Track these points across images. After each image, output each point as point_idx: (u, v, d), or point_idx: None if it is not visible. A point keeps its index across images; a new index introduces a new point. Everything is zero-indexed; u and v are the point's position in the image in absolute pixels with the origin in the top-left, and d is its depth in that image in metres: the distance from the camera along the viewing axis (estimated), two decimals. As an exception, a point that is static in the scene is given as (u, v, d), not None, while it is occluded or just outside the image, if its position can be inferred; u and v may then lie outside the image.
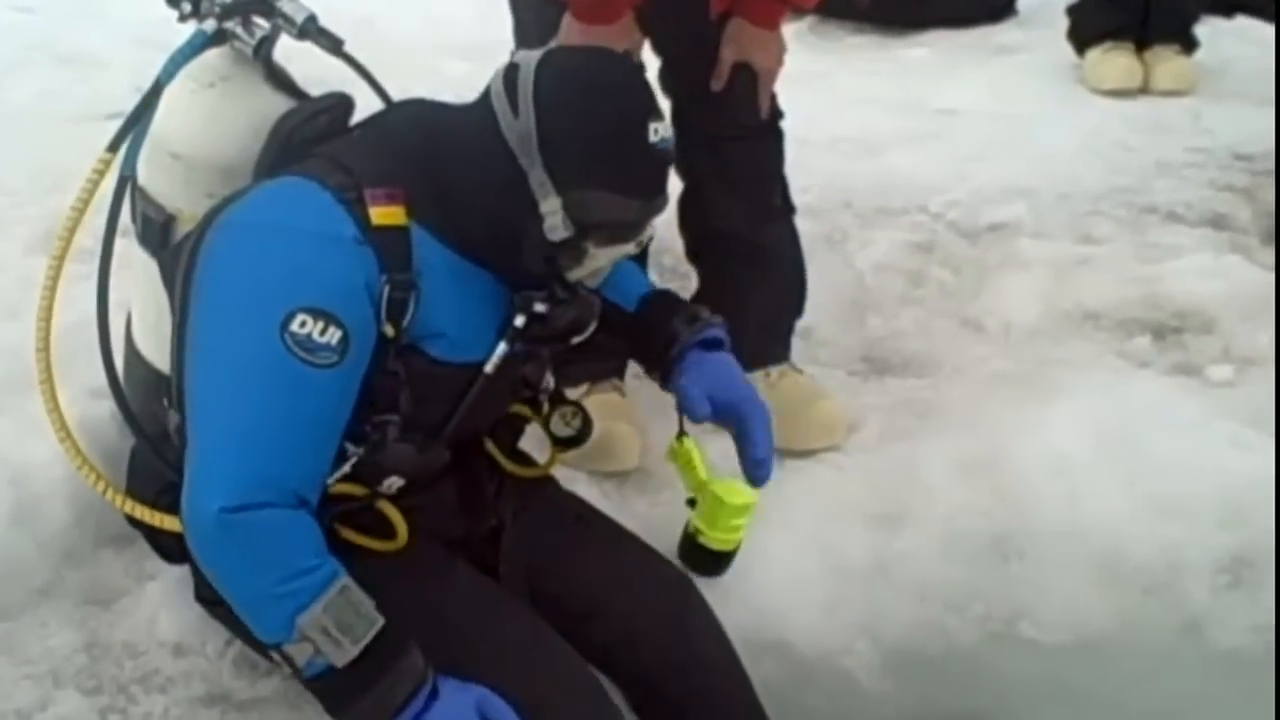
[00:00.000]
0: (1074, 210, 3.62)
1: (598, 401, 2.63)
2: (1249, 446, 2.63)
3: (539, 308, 1.89)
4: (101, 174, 2.01)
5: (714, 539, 2.30)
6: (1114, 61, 4.38)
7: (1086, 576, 2.53)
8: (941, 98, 4.33)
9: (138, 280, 2.13)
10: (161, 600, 2.25)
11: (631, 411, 2.69)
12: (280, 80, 2.08)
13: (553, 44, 2.28)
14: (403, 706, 1.77)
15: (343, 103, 2.03)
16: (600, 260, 1.90)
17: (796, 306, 2.86)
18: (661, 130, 1.84)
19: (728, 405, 2.16)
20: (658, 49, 2.69)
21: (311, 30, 2.04)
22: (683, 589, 2.21)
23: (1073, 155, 3.91)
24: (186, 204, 2.03)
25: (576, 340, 2.00)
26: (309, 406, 1.80)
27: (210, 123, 2.03)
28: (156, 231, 2.04)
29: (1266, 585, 2.48)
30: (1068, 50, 4.53)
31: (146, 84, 2.02)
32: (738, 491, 2.26)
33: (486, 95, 1.88)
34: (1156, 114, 4.21)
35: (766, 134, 2.76)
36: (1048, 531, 2.56)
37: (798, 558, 2.50)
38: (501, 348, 1.93)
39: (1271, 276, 3.29)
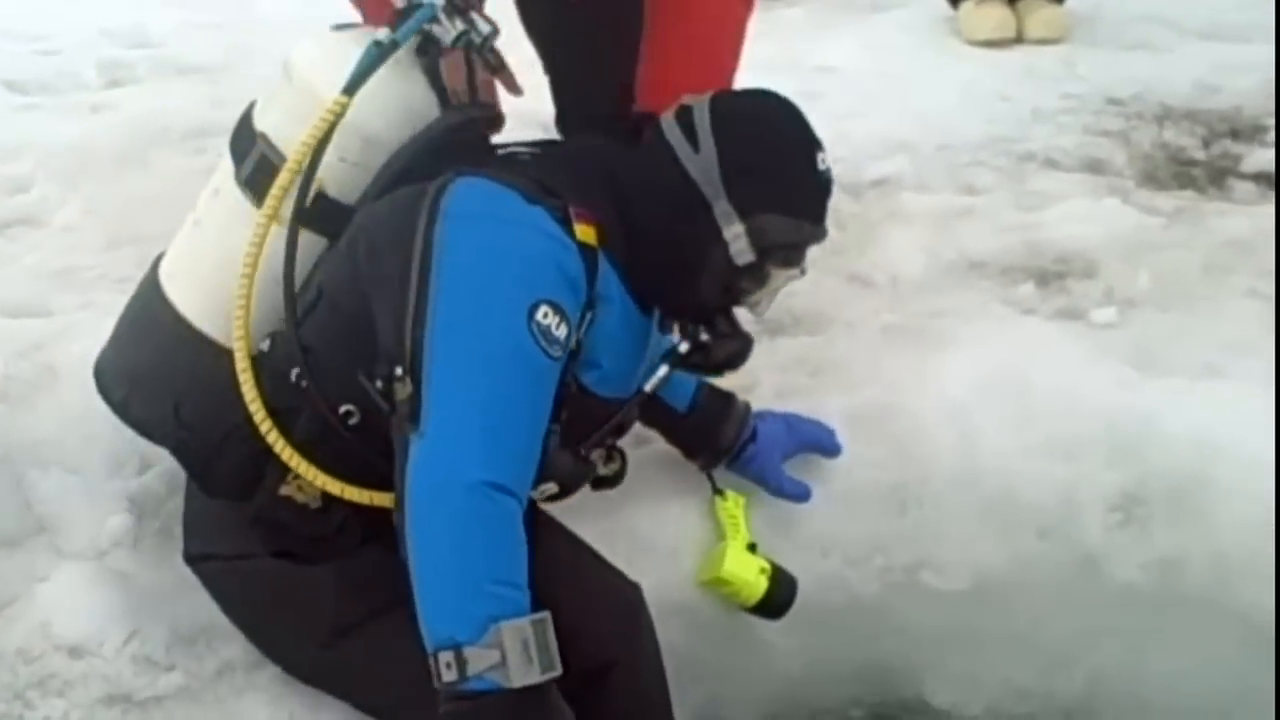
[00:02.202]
0: (954, 162, 3.66)
1: None
2: (1133, 385, 2.67)
3: (704, 337, 2.03)
4: (336, 116, 1.97)
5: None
6: (987, 13, 4.43)
7: (982, 521, 2.57)
8: (819, 56, 4.35)
9: (211, 229, 2.10)
10: (55, 602, 2.21)
11: None
12: (434, 78, 2.10)
13: None
14: None
15: (495, 117, 2.11)
16: (776, 282, 2.04)
17: None
18: (825, 160, 2.01)
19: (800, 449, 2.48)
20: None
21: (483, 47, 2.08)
22: (634, 611, 2.21)
23: (951, 107, 3.95)
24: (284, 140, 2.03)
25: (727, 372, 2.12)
26: (543, 397, 1.85)
27: (377, 93, 2.01)
28: (266, 180, 2.00)
29: (1156, 521, 2.52)
30: (941, 3, 4.58)
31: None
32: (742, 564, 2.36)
33: (656, 135, 1.99)
34: (1031, 63, 4.27)
35: None
36: (943, 479, 2.59)
37: (701, 519, 2.50)
38: (663, 371, 2.04)
39: (1149, 217, 3.35)
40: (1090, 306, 3.02)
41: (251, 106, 2.11)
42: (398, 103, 2.06)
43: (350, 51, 2.03)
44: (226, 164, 2.09)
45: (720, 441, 2.44)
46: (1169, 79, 4.14)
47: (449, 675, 1.69)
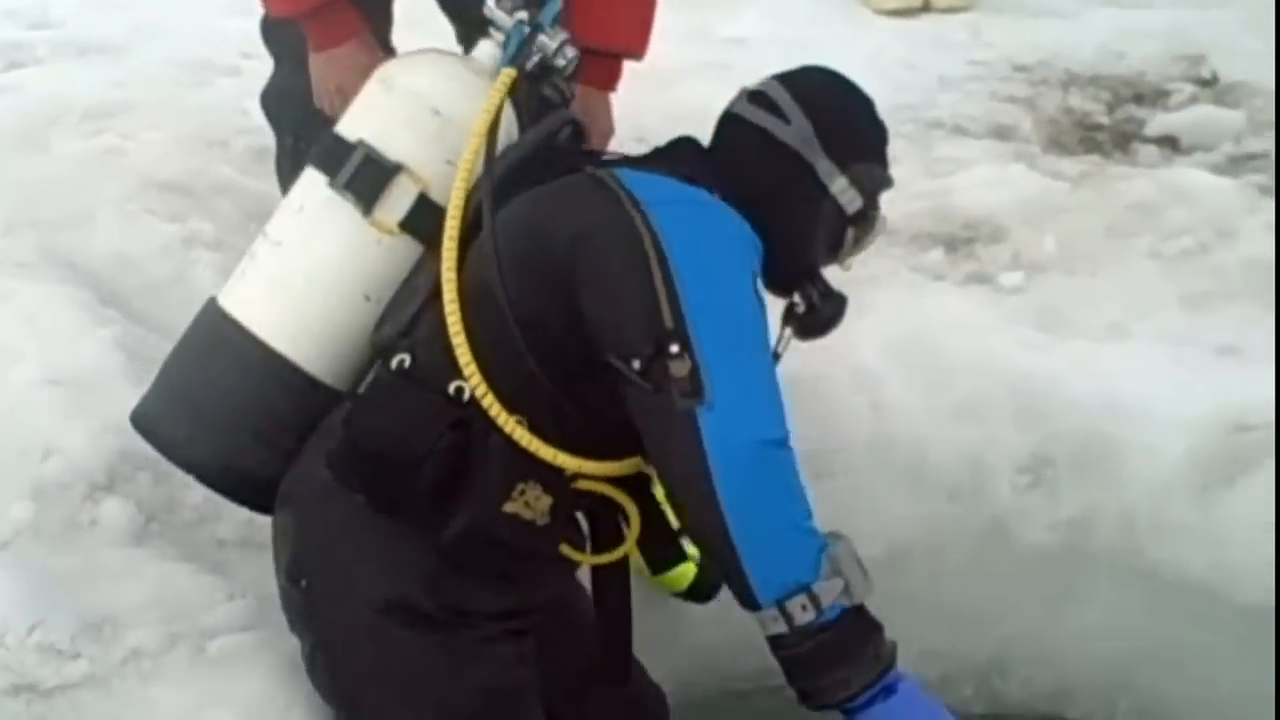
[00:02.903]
0: (863, 130, 3.66)
1: None
2: (1040, 348, 2.70)
3: (815, 298, 2.14)
4: (507, 89, 1.95)
5: None
6: (895, -18, 4.45)
7: (895, 487, 2.59)
8: (729, 27, 4.35)
9: (297, 246, 2.01)
10: (-45, 593, 2.17)
11: None
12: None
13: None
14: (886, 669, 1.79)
15: (578, 124, 2.09)
16: (879, 226, 2.14)
17: None
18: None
19: None
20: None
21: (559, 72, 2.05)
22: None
23: (858, 76, 3.89)
24: (418, 160, 1.98)
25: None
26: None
27: (479, 93, 1.99)
28: (372, 181, 1.97)
29: (1064, 482, 2.56)
30: (849, -28, 4.59)
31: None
32: None
33: (730, 124, 2.08)
34: (937, 31, 4.30)
35: None
36: (856, 447, 2.61)
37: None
38: (788, 332, 2.17)
39: (1055, 182, 3.38)
40: (998, 271, 3.05)
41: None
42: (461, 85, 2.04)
43: (440, 62, 2.04)
44: (308, 179, 2.02)
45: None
46: (1074, 45, 4.18)
47: (805, 616, 1.73)
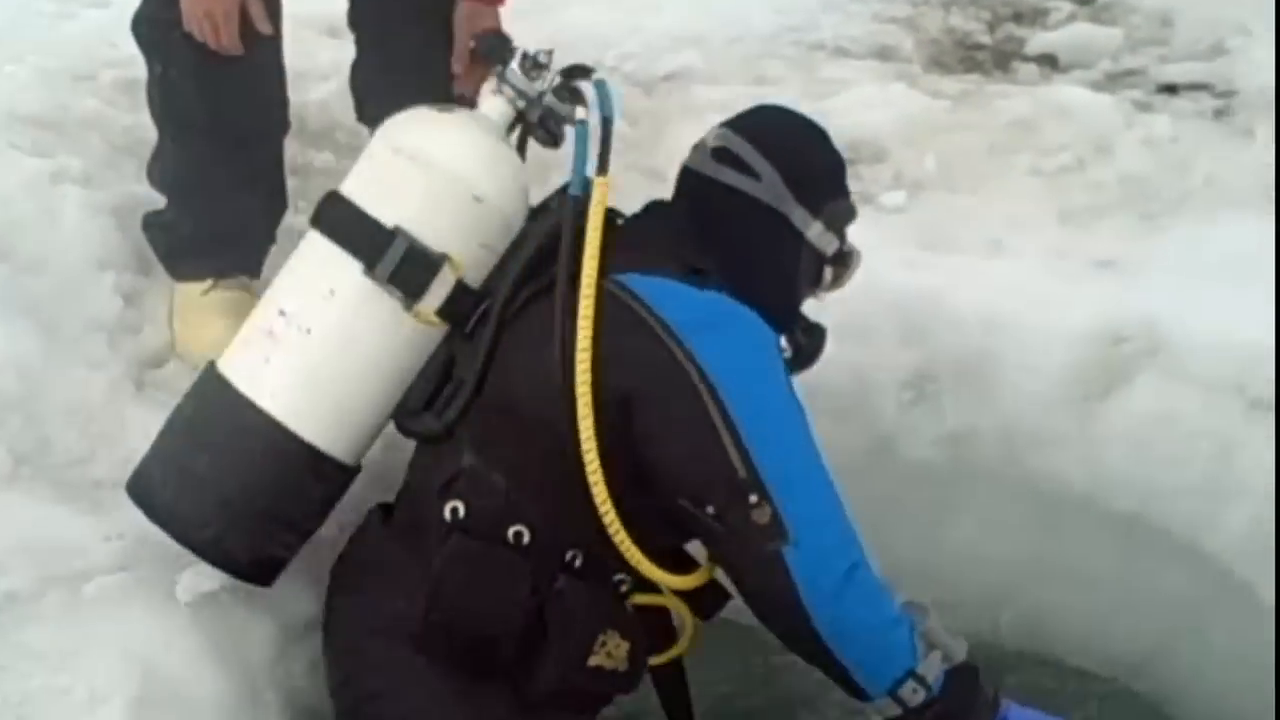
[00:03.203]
0: (745, 53, 3.65)
1: (223, 298, 2.54)
2: (922, 266, 2.71)
3: (799, 337, 2.17)
4: (604, 207, 1.95)
5: None
6: (776, -97, 4.41)
7: (779, 407, 2.58)
8: (608, -47, 4.29)
9: (331, 337, 1.95)
10: None
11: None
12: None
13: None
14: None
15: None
16: (855, 259, 2.18)
17: None
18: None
19: None
20: None
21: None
22: None
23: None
24: (458, 247, 1.94)
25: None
26: None
27: (506, 174, 1.99)
28: (419, 275, 1.92)
29: (946, 398, 2.58)
30: (731, -105, 4.54)
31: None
32: None
33: (701, 186, 2.10)
34: (820, -48, 4.27)
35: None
36: (739, 369, 2.60)
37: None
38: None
39: (936, 101, 3.39)
40: (880, 191, 3.06)
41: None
42: (517, 181, 2.03)
43: (468, 132, 1.99)
44: (341, 265, 1.94)
45: None
46: (954, -34, 4.18)
47: (917, 697, 1.86)
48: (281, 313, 1.94)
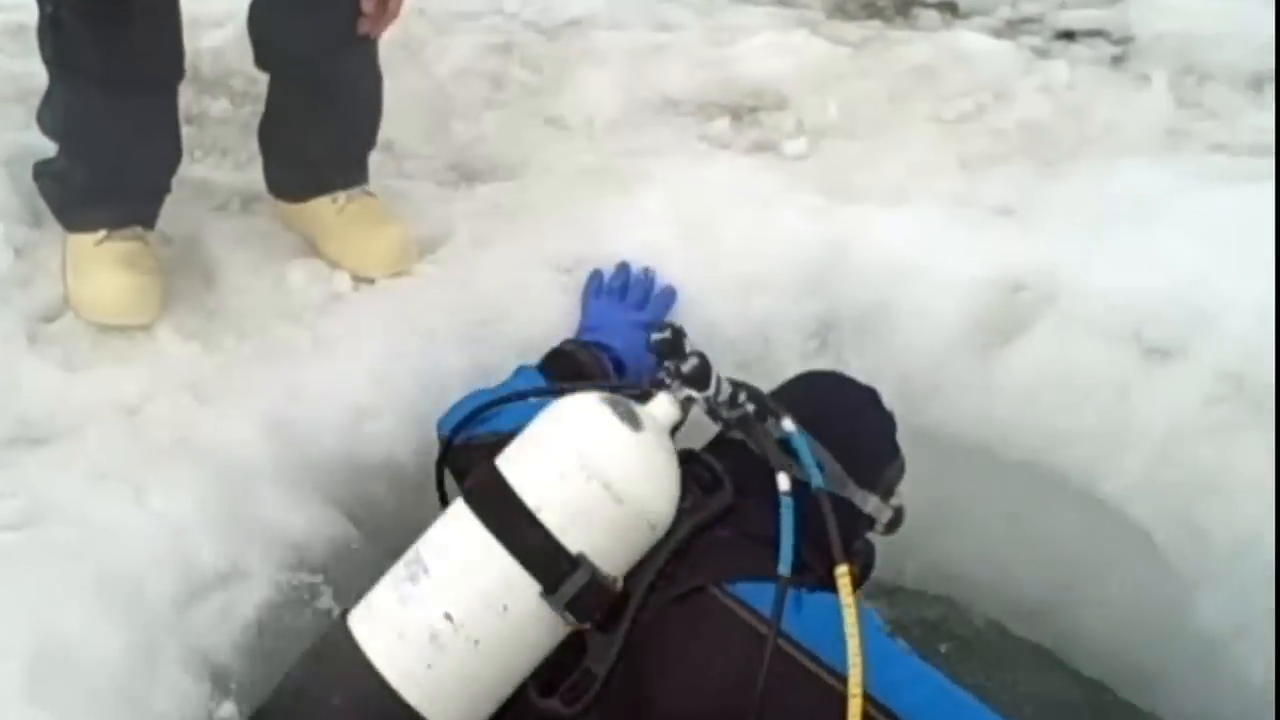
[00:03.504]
0: (648, -1, 3.63)
1: (117, 249, 2.50)
2: (823, 215, 2.71)
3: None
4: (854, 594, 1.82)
5: None
6: None
7: (684, 359, 2.58)
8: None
9: (496, 650, 1.86)
10: None
11: (151, 260, 2.56)
12: None
13: None
14: None
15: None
16: (902, 520, 2.18)
17: (369, 132, 2.74)
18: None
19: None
20: None
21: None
22: None
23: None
24: (626, 567, 1.88)
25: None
26: None
27: (654, 471, 1.90)
28: (594, 602, 1.84)
29: (849, 347, 2.59)
30: None
31: None
32: None
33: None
34: (720, -104, 4.24)
35: None
36: (643, 319, 2.60)
37: (396, 375, 2.47)
38: None
39: (837, 48, 3.39)
40: (782, 139, 3.06)
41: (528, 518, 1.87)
42: (669, 477, 1.94)
43: (664, 465, 1.92)
44: (521, 585, 1.84)
45: None
46: (854, -90, 4.18)
47: None
48: (448, 618, 1.85)
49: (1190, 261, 2.46)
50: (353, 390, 2.44)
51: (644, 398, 2.00)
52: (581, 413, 1.91)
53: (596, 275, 2.59)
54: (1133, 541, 2.44)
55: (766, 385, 2.57)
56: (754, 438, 1.99)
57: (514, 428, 1.98)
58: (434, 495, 2.34)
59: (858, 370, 2.56)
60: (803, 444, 1.95)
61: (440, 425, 2.30)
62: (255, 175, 2.77)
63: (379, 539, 2.40)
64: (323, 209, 2.65)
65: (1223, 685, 2.34)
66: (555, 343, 2.46)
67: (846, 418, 2.15)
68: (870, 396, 2.20)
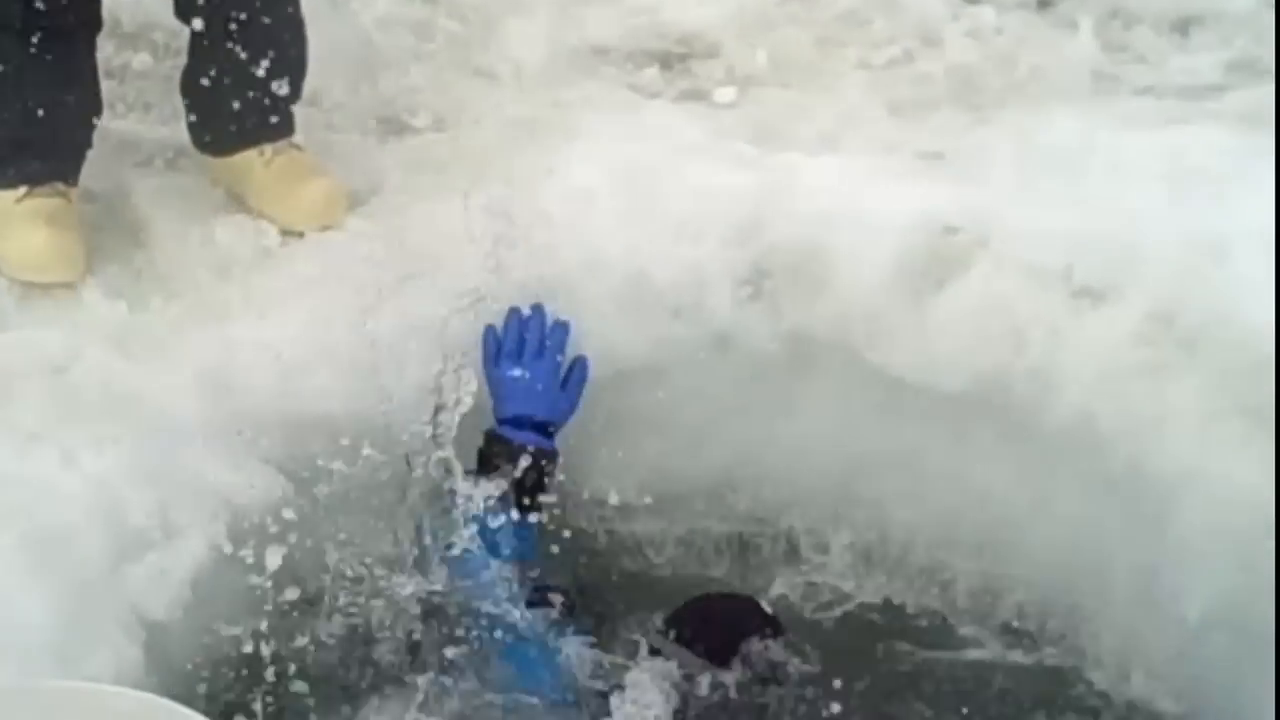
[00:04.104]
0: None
1: (38, 206, 2.47)
2: (754, 162, 2.70)
3: None
4: None
5: None
6: None
7: (617, 307, 2.58)
8: None
9: None
10: None
11: (73, 217, 2.52)
12: None
13: None
14: None
15: None
16: None
17: (294, 83, 2.68)
18: None
19: None
20: None
21: None
22: None
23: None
24: None
25: None
26: None
27: None
28: None
29: (783, 292, 2.58)
30: None
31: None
32: None
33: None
34: None
35: None
36: (575, 270, 2.59)
37: (328, 330, 2.45)
38: None
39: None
40: (712, 87, 3.06)
41: None
42: None
43: None
44: None
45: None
46: None
47: None
48: None
49: (1119, 203, 2.47)
50: (285, 346, 2.41)
51: None
52: None
53: (491, 336, 2.54)
54: (1068, 480, 2.46)
55: (702, 333, 2.59)
56: None
57: None
58: (370, 449, 2.38)
59: (793, 316, 2.58)
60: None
61: None
62: (179, 130, 2.74)
63: (315, 495, 2.39)
64: (250, 162, 2.62)
65: (1159, 621, 2.37)
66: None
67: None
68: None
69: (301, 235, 2.59)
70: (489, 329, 2.55)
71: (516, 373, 2.50)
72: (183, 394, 2.32)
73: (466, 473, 2.37)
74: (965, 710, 2.39)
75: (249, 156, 2.61)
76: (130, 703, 1.69)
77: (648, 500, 2.74)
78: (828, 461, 2.71)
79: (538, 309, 2.57)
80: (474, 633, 2.27)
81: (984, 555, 2.66)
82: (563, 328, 2.57)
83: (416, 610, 2.32)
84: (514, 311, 2.57)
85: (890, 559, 2.73)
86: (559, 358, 2.54)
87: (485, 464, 2.44)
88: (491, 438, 2.46)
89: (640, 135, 2.80)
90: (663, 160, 2.72)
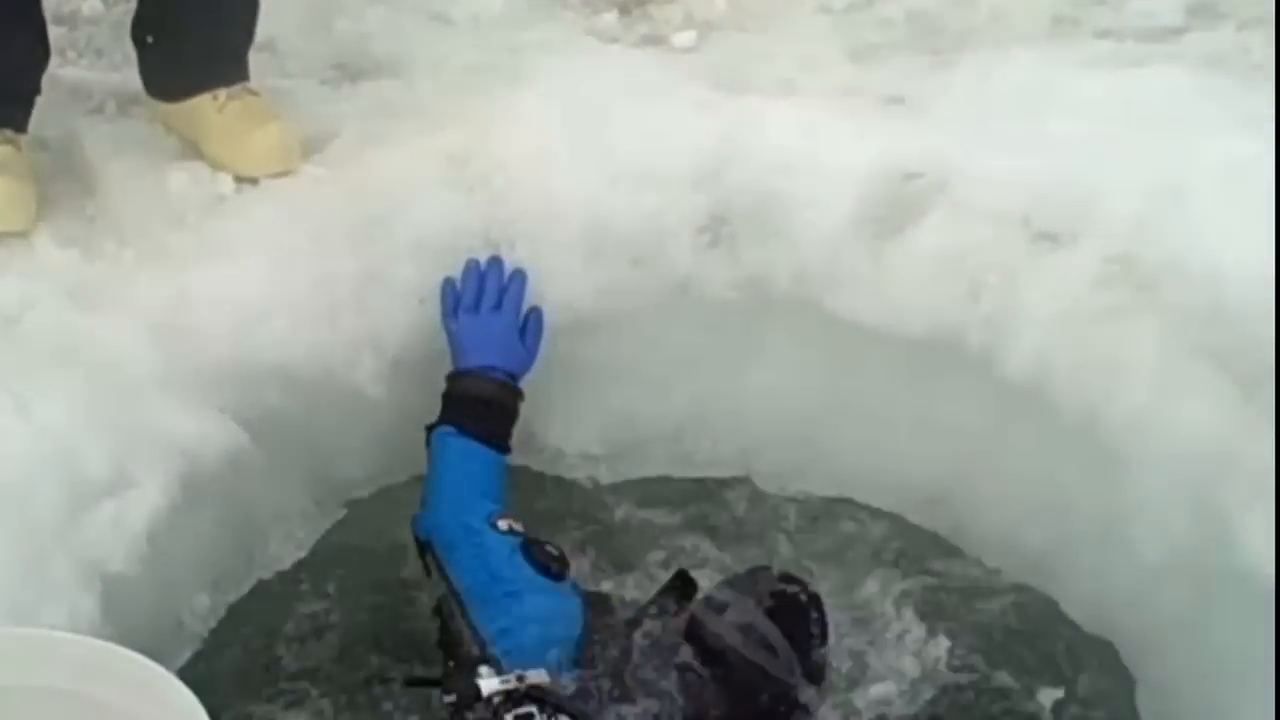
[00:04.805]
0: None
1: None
2: (713, 107, 2.67)
3: None
4: None
5: None
6: None
7: (575, 255, 2.57)
8: None
9: None
10: None
11: (24, 165, 2.49)
12: None
13: None
14: None
15: None
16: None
17: (247, 27, 2.65)
18: None
19: None
20: None
21: None
22: None
23: None
24: None
25: None
26: None
27: None
28: None
29: (742, 239, 2.57)
30: None
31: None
32: None
33: (726, 658, 2.09)
34: None
35: None
36: (534, 217, 2.58)
37: (285, 278, 2.43)
38: None
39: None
40: (671, 32, 3.02)
41: None
42: None
43: None
44: None
45: None
46: None
47: None
48: None
49: (1078, 146, 2.46)
50: (241, 294, 2.40)
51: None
52: None
53: (449, 288, 2.53)
54: (1027, 425, 2.47)
55: (661, 280, 2.58)
56: None
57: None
58: (326, 400, 2.42)
59: (753, 263, 2.57)
60: None
61: (415, 523, 2.39)
62: (131, 77, 2.70)
63: (270, 443, 2.38)
64: (203, 108, 2.58)
65: (1117, 565, 2.38)
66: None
67: (809, 621, 2.22)
68: (819, 601, 2.25)
69: (256, 182, 2.55)
70: (446, 281, 2.54)
71: (474, 324, 2.49)
72: (138, 343, 2.29)
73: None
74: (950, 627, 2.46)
75: (202, 101, 2.57)
76: (84, 649, 1.69)
77: (607, 448, 2.75)
78: (788, 408, 2.71)
79: (495, 260, 2.56)
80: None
81: (944, 506, 2.66)
82: (520, 277, 2.55)
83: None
84: (472, 263, 2.55)
85: (849, 509, 2.73)
86: (518, 309, 2.53)
87: (451, 405, 2.44)
88: (456, 375, 2.48)
89: (598, 80, 2.77)
90: (621, 106, 2.69)
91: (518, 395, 2.50)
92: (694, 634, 2.10)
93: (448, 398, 2.47)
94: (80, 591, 1.98)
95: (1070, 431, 2.38)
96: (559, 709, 1.93)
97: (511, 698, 1.92)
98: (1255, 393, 2.15)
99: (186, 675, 1.83)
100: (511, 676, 1.95)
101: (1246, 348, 2.16)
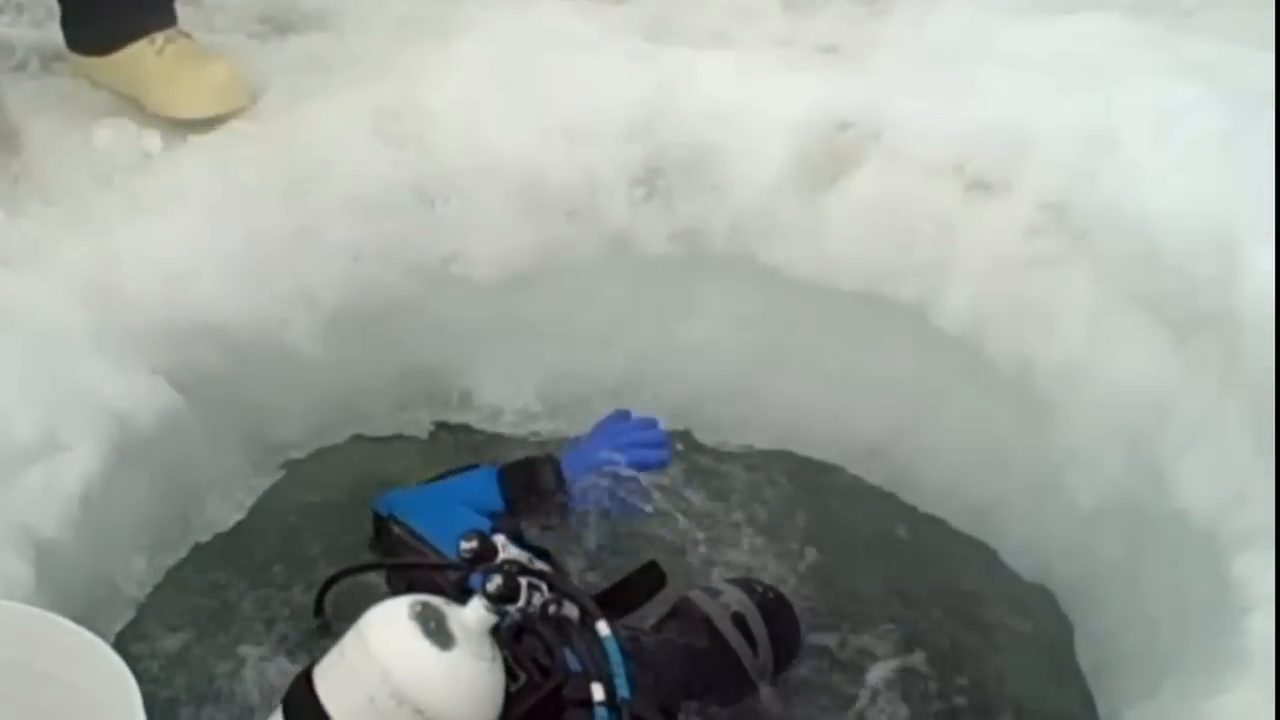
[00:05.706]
0: None
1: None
2: (646, 58, 2.65)
3: None
4: None
5: None
6: None
7: (510, 210, 2.55)
8: None
9: None
10: None
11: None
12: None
13: None
14: None
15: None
16: None
17: None
18: None
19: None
20: None
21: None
22: None
23: None
24: None
25: None
26: None
27: (469, 691, 1.76)
28: None
29: (678, 192, 2.56)
30: None
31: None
32: None
33: (710, 637, 2.19)
34: None
35: None
36: (466, 172, 2.55)
37: (216, 235, 2.39)
38: None
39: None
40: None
41: None
42: (484, 694, 1.79)
43: (464, 672, 1.75)
44: None
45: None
46: None
47: None
48: None
49: (1010, 95, 2.47)
50: (171, 252, 2.37)
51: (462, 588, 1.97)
52: (389, 632, 1.77)
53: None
54: (964, 375, 2.48)
55: (598, 234, 2.57)
56: (573, 647, 1.92)
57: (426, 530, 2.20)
58: (261, 360, 2.40)
59: (689, 215, 2.56)
60: (614, 649, 1.90)
61: (376, 502, 2.34)
62: (54, 33, 2.66)
63: (205, 404, 2.36)
64: (140, 54, 2.53)
65: (1053, 513, 2.41)
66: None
67: (797, 638, 2.32)
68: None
69: (185, 139, 2.52)
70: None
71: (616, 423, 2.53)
72: (66, 303, 2.26)
73: None
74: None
75: (138, 48, 2.52)
76: (15, 617, 1.67)
77: (546, 404, 2.74)
78: (726, 362, 2.71)
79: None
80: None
81: (884, 457, 2.68)
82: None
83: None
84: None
85: (786, 462, 2.74)
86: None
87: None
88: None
89: (531, 33, 2.74)
90: (554, 58, 2.66)
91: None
92: (684, 610, 2.17)
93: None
94: (13, 557, 1.96)
95: (1006, 381, 2.40)
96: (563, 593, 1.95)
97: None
98: (1187, 339, 2.17)
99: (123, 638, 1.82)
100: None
101: (1179, 295, 2.17)
